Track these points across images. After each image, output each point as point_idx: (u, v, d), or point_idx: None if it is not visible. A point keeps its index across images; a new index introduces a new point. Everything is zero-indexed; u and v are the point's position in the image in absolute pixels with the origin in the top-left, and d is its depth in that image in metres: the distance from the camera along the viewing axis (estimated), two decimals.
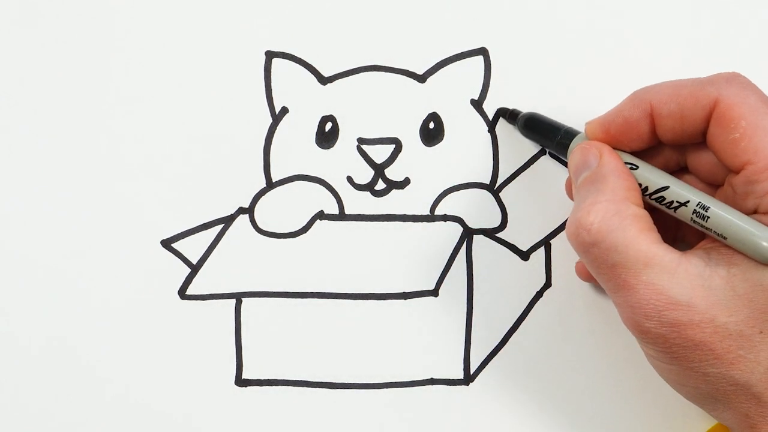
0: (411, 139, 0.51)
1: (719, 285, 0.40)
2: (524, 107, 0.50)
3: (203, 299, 0.51)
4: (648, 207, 0.43)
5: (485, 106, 0.51)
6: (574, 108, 0.50)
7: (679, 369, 0.42)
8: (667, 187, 0.43)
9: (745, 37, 0.51)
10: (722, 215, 0.41)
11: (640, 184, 0.44)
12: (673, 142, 0.45)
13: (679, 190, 0.43)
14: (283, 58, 0.51)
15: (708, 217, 0.42)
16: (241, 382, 0.51)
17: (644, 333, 0.41)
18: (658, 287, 0.41)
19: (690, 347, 0.41)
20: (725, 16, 0.51)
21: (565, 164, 0.51)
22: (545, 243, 0.51)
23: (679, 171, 0.47)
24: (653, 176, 0.44)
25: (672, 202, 0.43)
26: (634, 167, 0.44)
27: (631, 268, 0.41)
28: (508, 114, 0.50)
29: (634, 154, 0.45)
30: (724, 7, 0.51)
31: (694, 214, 0.42)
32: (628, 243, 0.41)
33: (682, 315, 0.40)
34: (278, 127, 0.51)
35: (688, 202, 0.42)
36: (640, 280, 0.41)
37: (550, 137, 0.48)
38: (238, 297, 0.51)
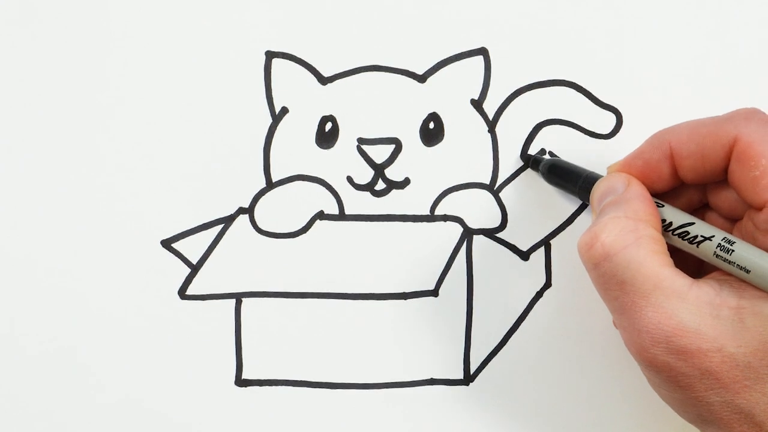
0: (411, 139, 0.51)
1: (728, 315, 0.40)
2: (524, 107, 0.51)
3: (203, 299, 0.51)
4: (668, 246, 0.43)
5: (485, 106, 0.51)
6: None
7: (682, 397, 0.41)
8: (692, 223, 0.43)
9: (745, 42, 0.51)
10: (748, 249, 0.41)
11: (664, 220, 0.44)
12: (695, 181, 0.44)
13: (704, 226, 0.43)
14: (283, 58, 0.51)
15: (733, 251, 0.41)
16: (241, 382, 0.51)
17: (650, 360, 0.41)
18: (668, 311, 0.40)
19: (696, 376, 0.40)
20: (729, 19, 0.51)
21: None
22: (545, 243, 0.51)
23: (701, 208, 0.47)
24: (678, 214, 0.44)
25: (696, 236, 0.43)
26: (660, 205, 0.44)
27: (640, 288, 0.40)
28: (531, 161, 0.50)
29: (657, 196, 0.45)
30: (729, 9, 0.51)
31: (719, 248, 0.42)
32: (640, 261, 0.40)
33: (690, 342, 0.40)
34: (278, 127, 0.51)
35: (713, 236, 0.42)
36: (650, 302, 0.40)
37: (572, 182, 0.48)
38: (238, 297, 0.51)
